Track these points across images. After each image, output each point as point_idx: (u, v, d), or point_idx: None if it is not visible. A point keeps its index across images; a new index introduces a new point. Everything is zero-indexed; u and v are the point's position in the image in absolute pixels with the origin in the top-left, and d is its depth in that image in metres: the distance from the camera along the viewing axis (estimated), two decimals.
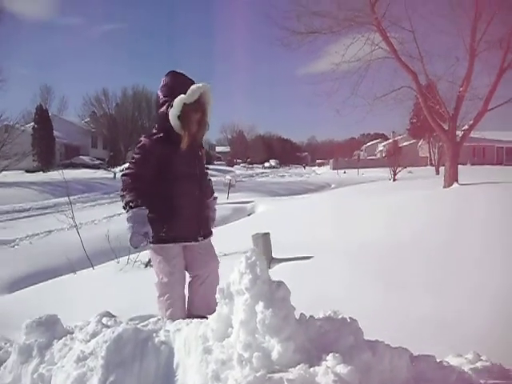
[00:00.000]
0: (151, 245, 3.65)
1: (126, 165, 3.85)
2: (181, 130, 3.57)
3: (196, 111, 3.63)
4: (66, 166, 43.90)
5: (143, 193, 3.47)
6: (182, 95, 3.50)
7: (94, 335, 3.00)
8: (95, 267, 9.68)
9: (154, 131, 3.71)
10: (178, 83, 3.63)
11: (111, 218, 18.48)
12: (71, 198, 16.24)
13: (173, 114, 3.52)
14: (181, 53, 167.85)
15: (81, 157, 54.29)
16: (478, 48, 16.61)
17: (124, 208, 3.46)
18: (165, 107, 3.60)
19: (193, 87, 3.55)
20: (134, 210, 3.37)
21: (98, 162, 53.89)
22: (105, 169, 48.77)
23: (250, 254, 2.53)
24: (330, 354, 2.34)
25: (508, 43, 16.04)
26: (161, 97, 3.68)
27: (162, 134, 3.62)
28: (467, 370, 3.13)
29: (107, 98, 70.01)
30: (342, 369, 2.24)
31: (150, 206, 3.50)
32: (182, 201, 3.65)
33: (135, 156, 3.61)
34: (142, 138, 3.68)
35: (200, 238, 3.81)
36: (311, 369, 2.29)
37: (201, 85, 3.60)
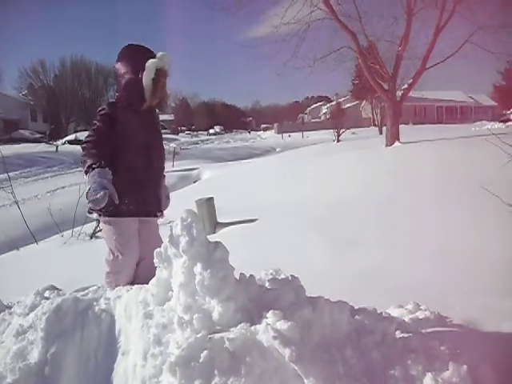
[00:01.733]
0: (107, 218, 3.49)
1: (86, 133, 3.71)
2: (151, 93, 3.54)
3: (164, 77, 3.62)
4: (6, 142, 42.34)
5: (105, 160, 3.34)
6: (153, 60, 3.49)
7: (32, 308, 2.93)
8: (39, 242, 9.47)
9: (115, 100, 3.64)
10: (139, 52, 3.60)
11: (54, 191, 18.11)
12: (13, 173, 15.82)
13: (148, 76, 3.48)
14: (119, 18, 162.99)
15: (20, 131, 52.29)
16: (414, 8, 16.80)
17: (86, 173, 3.28)
18: (132, 74, 3.52)
19: (162, 53, 3.58)
20: (96, 169, 3.21)
21: (38, 135, 52.09)
22: (46, 142, 47.28)
23: (186, 215, 2.51)
24: (270, 312, 2.36)
25: (443, 3, 16.29)
26: (124, 66, 3.58)
27: (124, 102, 3.54)
28: (407, 319, 3.24)
29: (45, 69, 67.89)
30: (282, 325, 2.27)
31: (115, 176, 3.36)
32: (143, 172, 3.55)
33: (97, 123, 3.46)
34: (104, 106, 3.57)
35: (159, 214, 3.75)
36: (252, 327, 2.31)
37: (166, 53, 3.62)
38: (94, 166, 3.22)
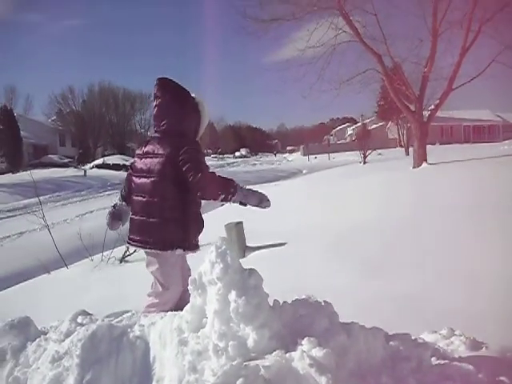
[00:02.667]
0: (178, 250, 3.44)
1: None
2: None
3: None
4: (35, 166, 43.11)
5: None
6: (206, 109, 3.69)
7: (68, 334, 2.96)
8: (69, 266, 9.57)
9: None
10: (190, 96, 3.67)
11: (83, 215, 18.29)
12: (42, 198, 16.04)
13: (204, 124, 3.71)
14: (145, 46, 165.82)
15: (49, 156, 53.27)
16: (440, 28, 16.76)
17: (232, 194, 3.31)
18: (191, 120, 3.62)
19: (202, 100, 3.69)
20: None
21: (67, 160, 53.01)
22: (75, 167, 48.07)
23: (220, 243, 2.53)
24: (305, 339, 2.36)
25: (468, 23, 16.23)
26: (181, 106, 3.60)
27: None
28: (442, 345, 3.19)
29: (73, 95, 69.36)
30: (317, 352, 2.26)
31: (190, 210, 3.47)
32: (199, 208, 3.62)
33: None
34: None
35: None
36: (287, 354, 2.30)
37: None
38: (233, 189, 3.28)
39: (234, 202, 3.28)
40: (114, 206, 3.88)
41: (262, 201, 3.26)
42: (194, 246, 3.52)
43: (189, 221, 3.44)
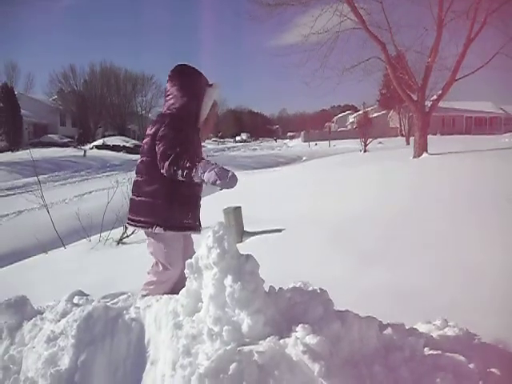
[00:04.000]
0: (163, 231, 3.41)
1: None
2: (205, 122, 3.68)
3: (216, 107, 3.79)
4: (35, 145, 43.08)
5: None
6: (214, 90, 3.65)
7: (64, 315, 2.98)
8: (67, 246, 9.60)
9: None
10: (199, 79, 3.66)
11: (82, 196, 18.30)
12: (41, 177, 16.03)
13: (206, 105, 3.62)
14: (147, 27, 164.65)
15: (49, 135, 53.14)
16: (445, 18, 16.65)
17: (187, 173, 3.04)
18: (191, 101, 3.56)
19: (218, 84, 3.69)
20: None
21: (67, 140, 52.86)
22: (74, 146, 47.96)
23: (218, 228, 2.53)
24: (300, 325, 2.37)
25: (474, 13, 16.13)
26: (182, 90, 3.58)
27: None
28: (435, 336, 3.21)
29: (75, 74, 68.85)
30: (311, 339, 2.27)
31: (176, 190, 3.40)
32: (197, 188, 3.57)
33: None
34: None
35: (201, 228, 3.72)
36: (281, 340, 2.31)
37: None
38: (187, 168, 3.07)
39: (197, 181, 3.06)
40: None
41: (219, 179, 2.89)
42: (178, 227, 3.44)
43: (172, 200, 3.40)
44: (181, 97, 3.55)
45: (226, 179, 2.87)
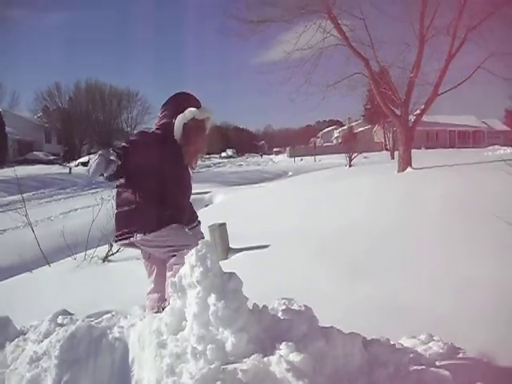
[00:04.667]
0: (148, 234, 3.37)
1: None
2: (182, 136, 3.64)
3: (199, 127, 3.80)
4: (20, 163, 42.72)
5: None
6: (193, 109, 3.62)
7: (47, 335, 2.96)
8: (52, 265, 9.51)
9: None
10: (183, 99, 3.74)
11: (67, 213, 18.16)
12: (26, 194, 15.89)
13: (180, 120, 3.60)
14: (132, 44, 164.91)
15: (35, 153, 52.79)
16: (426, 34, 16.88)
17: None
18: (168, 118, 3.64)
19: (205, 107, 3.77)
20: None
21: (52, 157, 52.60)
22: (60, 164, 47.69)
23: (201, 246, 2.54)
24: (283, 343, 2.38)
25: (455, 30, 16.38)
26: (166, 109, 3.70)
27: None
28: (420, 350, 3.23)
29: (60, 92, 68.70)
30: (295, 357, 2.28)
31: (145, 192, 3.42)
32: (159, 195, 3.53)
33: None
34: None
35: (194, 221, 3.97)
36: (265, 358, 2.32)
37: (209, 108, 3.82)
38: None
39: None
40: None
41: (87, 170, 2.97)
42: (158, 224, 3.37)
43: (145, 202, 3.38)
44: (161, 116, 3.69)
45: (90, 170, 2.95)
